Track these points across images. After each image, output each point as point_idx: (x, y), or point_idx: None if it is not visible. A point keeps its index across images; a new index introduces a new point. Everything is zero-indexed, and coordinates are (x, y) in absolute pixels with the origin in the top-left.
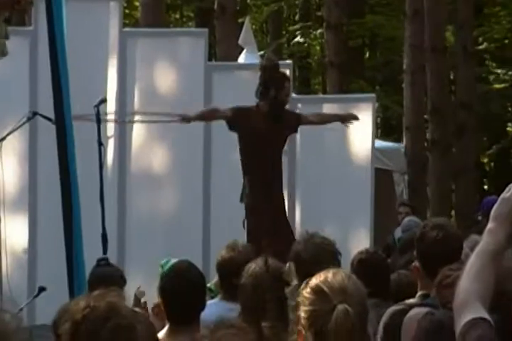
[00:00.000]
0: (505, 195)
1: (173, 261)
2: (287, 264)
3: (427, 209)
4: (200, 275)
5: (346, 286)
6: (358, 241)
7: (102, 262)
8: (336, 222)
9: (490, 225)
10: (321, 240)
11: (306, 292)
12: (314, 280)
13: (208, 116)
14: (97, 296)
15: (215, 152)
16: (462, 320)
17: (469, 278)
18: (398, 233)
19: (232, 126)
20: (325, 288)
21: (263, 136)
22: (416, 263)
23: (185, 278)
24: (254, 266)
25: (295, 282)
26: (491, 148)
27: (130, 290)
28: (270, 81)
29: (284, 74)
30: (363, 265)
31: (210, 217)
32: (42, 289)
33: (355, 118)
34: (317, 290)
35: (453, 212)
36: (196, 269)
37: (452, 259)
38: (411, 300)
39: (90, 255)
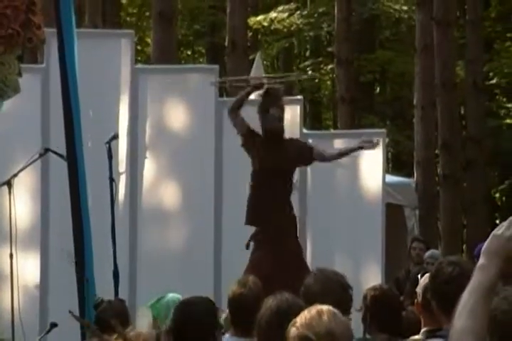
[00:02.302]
0: (496, 231)
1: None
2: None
3: (439, 244)
4: (209, 310)
5: (333, 329)
6: (369, 276)
7: (102, 304)
8: (347, 257)
9: (481, 261)
10: (331, 273)
11: (291, 337)
12: (299, 323)
13: (238, 112)
14: (134, 336)
15: (226, 188)
16: None
17: (463, 316)
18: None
19: (246, 141)
20: (310, 335)
21: (265, 169)
22: (419, 299)
23: (193, 313)
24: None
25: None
26: (503, 183)
27: (142, 326)
28: (259, 107)
29: (272, 98)
30: (376, 302)
31: (221, 252)
32: (54, 325)
33: (371, 142)
34: (302, 337)
35: (464, 247)
36: (205, 304)
37: None
38: (416, 337)
39: (102, 291)
